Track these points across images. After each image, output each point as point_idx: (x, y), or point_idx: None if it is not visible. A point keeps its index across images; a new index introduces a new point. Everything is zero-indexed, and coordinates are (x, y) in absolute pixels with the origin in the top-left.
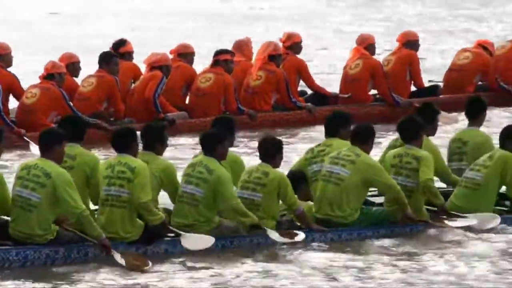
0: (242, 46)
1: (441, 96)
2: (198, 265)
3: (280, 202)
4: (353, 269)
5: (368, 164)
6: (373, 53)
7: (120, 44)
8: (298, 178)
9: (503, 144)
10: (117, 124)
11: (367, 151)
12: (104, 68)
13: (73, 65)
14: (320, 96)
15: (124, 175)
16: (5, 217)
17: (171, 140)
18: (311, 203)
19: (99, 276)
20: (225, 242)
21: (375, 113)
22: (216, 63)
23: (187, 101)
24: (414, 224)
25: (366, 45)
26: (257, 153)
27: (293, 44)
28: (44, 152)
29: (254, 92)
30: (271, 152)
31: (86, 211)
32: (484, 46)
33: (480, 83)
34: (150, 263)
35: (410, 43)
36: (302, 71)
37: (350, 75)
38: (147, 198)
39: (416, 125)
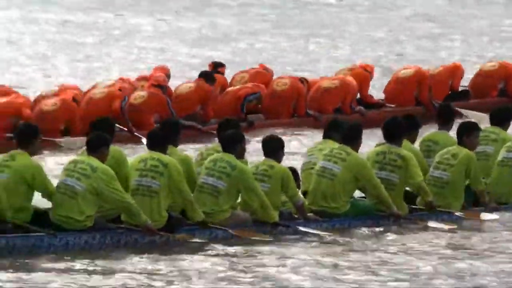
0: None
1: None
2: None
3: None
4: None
5: (358, 162)
6: None
7: (219, 65)
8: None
9: (460, 141)
10: (206, 125)
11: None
12: (207, 81)
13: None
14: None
15: (157, 169)
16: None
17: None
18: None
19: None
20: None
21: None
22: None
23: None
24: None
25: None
26: (261, 152)
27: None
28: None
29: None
30: (275, 148)
31: (132, 200)
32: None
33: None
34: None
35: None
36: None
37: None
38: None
39: (399, 126)
